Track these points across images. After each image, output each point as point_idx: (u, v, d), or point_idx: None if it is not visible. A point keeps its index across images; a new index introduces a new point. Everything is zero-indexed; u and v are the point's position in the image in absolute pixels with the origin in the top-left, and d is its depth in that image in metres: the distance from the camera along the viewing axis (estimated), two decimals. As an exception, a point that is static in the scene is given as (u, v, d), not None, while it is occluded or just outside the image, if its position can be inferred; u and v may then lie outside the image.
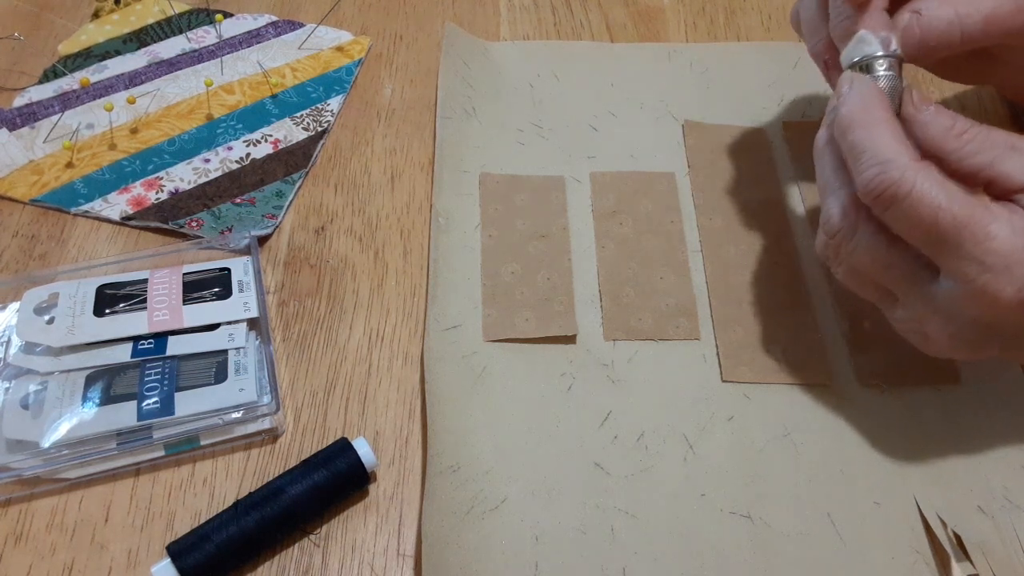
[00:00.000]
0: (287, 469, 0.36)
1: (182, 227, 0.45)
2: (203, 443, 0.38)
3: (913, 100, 0.34)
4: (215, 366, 0.39)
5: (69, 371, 0.38)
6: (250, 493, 0.35)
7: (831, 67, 0.40)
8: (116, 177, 0.47)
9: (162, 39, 0.55)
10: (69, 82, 0.52)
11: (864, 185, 0.32)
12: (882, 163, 0.31)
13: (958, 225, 0.30)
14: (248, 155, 0.49)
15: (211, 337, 0.40)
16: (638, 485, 0.37)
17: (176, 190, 0.47)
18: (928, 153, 0.33)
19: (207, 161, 0.49)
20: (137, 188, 0.47)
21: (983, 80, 0.47)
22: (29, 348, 0.39)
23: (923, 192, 0.30)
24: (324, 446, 0.37)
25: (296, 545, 0.36)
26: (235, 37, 0.55)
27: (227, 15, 0.56)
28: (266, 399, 0.38)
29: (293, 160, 0.49)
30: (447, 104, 0.50)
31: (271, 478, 0.36)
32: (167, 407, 0.37)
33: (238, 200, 0.47)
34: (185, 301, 0.41)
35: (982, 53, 0.40)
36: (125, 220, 0.46)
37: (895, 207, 0.31)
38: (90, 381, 0.38)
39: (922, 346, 0.35)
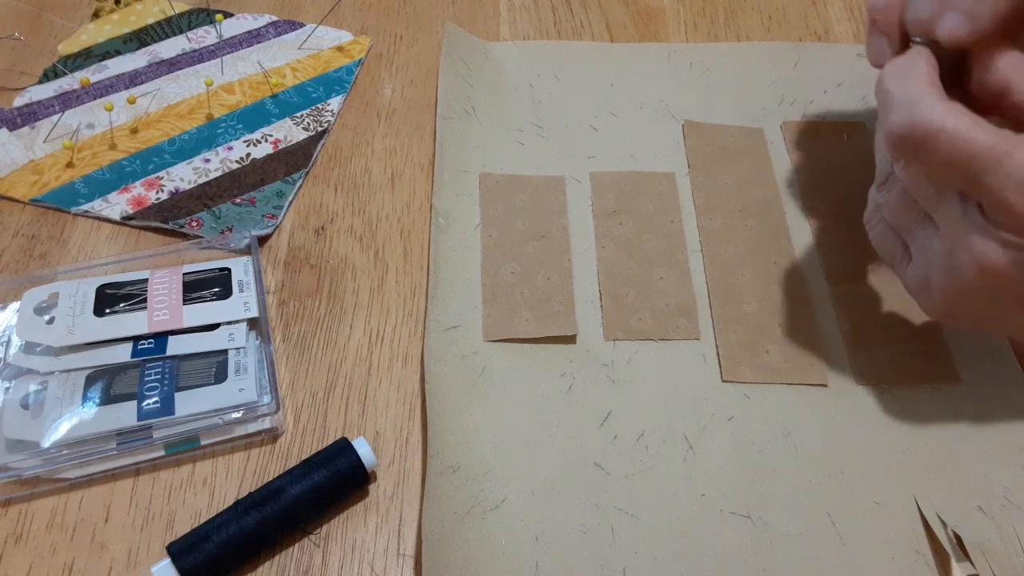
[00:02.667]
0: (287, 469, 0.36)
1: (182, 227, 0.45)
2: (203, 443, 0.38)
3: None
4: (215, 366, 0.39)
5: (69, 371, 0.38)
6: (250, 493, 0.35)
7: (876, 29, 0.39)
8: (116, 177, 0.47)
9: (162, 39, 0.55)
10: (69, 82, 0.52)
11: (891, 127, 0.32)
12: (911, 104, 0.31)
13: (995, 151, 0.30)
14: (248, 155, 0.49)
15: (211, 337, 0.40)
16: (638, 485, 0.37)
17: (176, 190, 0.47)
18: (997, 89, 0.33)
19: (207, 161, 0.49)
20: (137, 188, 0.47)
21: None
22: (29, 348, 0.39)
23: (955, 126, 0.30)
24: (324, 446, 0.37)
25: (296, 545, 0.36)
26: (235, 37, 0.55)
27: (227, 15, 0.56)
28: (266, 399, 0.38)
29: (293, 160, 0.49)
30: (447, 104, 0.50)
31: (271, 478, 0.36)
32: (167, 407, 0.37)
33: (238, 200, 0.47)
34: (185, 301, 0.41)
35: None
36: (125, 220, 0.46)
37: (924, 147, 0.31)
38: (90, 381, 0.38)
39: (946, 291, 0.34)
